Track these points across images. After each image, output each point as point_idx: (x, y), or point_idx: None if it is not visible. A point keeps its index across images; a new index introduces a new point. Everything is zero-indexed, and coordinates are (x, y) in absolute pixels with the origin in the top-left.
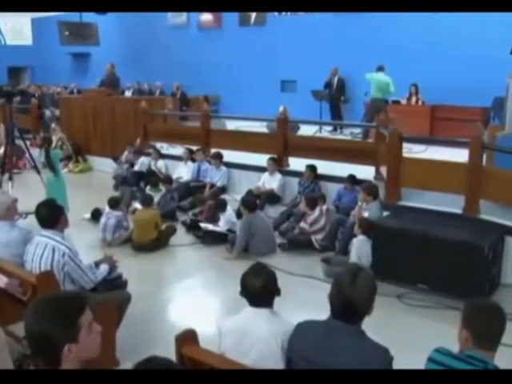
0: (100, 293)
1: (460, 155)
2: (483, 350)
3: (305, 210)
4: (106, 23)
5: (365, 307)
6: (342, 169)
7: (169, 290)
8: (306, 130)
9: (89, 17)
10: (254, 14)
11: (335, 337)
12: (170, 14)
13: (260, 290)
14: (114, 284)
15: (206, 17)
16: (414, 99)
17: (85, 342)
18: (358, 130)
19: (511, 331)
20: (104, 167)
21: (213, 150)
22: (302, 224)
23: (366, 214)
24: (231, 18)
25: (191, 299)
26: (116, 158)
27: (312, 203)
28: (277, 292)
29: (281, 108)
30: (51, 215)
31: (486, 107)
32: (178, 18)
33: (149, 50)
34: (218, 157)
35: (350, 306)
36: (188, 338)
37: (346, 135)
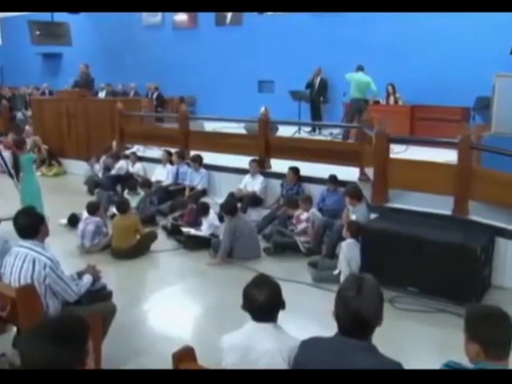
0: (84, 305)
1: (441, 155)
2: (496, 361)
3: (290, 213)
4: (78, 22)
5: (376, 319)
6: (325, 170)
7: (151, 298)
8: (285, 131)
9: (60, 16)
10: (229, 14)
11: (346, 354)
12: (144, 14)
13: (264, 304)
14: (98, 295)
15: (181, 17)
16: (391, 99)
17: (88, 366)
18: (336, 131)
19: None
20: (79, 170)
21: (192, 152)
22: (300, 226)
23: (353, 217)
24: (207, 17)
25: (175, 308)
26: (88, 159)
27: (293, 204)
28: (281, 305)
29: (262, 108)
30: (31, 224)
31: (466, 107)
32: (153, 17)
33: (123, 50)
34: (198, 160)
35: (360, 320)
36: (185, 354)
37: (324, 136)
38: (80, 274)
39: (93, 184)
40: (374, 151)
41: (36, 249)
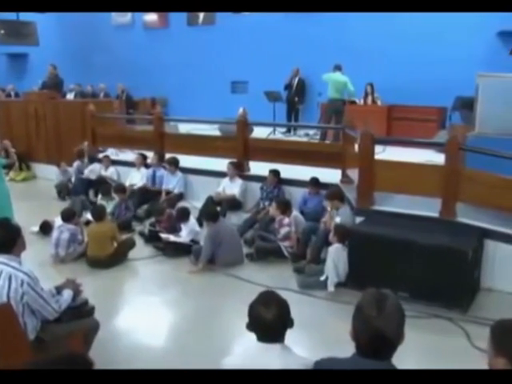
0: (64, 323)
1: (420, 155)
2: None
3: (274, 214)
4: (44, 22)
5: (398, 338)
6: (306, 172)
7: (131, 310)
8: (259, 132)
9: (26, 15)
10: (202, 14)
11: None
12: (113, 13)
13: (272, 323)
14: (79, 311)
15: (152, 16)
16: (369, 98)
17: None
18: (312, 132)
19: None
20: (49, 175)
21: (167, 155)
22: (282, 230)
23: (337, 220)
24: (178, 17)
25: (157, 320)
26: (59, 165)
27: (283, 207)
28: (290, 323)
29: (240, 110)
30: (6, 238)
31: (442, 107)
32: (123, 17)
33: (92, 50)
34: (174, 163)
35: (382, 340)
36: None
37: (300, 136)
38: (59, 289)
39: (65, 189)
40: (359, 153)
41: (12, 264)
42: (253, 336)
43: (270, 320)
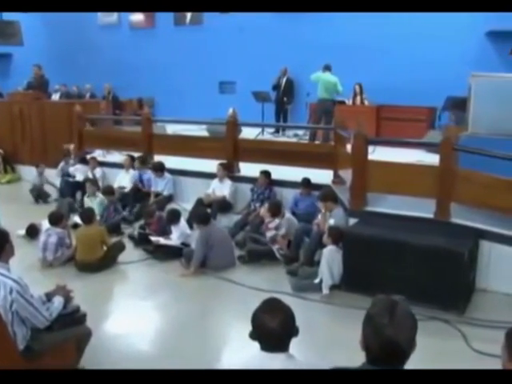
0: (56, 331)
1: (410, 155)
2: None
3: (264, 216)
4: (29, 21)
5: (411, 346)
6: (297, 173)
7: (122, 315)
8: (248, 133)
9: (10, 14)
10: (189, 13)
11: None
12: (100, 13)
13: (277, 332)
14: (71, 319)
15: (138, 16)
16: (358, 98)
17: None
18: (301, 132)
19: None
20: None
21: (156, 157)
22: (268, 233)
23: (331, 222)
24: (165, 17)
25: (148, 324)
26: (37, 165)
27: (274, 210)
28: (295, 332)
29: (230, 110)
30: None
31: (431, 107)
32: (109, 17)
33: (77, 50)
34: (159, 168)
35: (394, 349)
36: None
37: (289, 137)
38: (49, 296)
39: (43, 193)
40: (351, 153)
41: (0, 271)
42: (253, 343)
43: (274, 328)
